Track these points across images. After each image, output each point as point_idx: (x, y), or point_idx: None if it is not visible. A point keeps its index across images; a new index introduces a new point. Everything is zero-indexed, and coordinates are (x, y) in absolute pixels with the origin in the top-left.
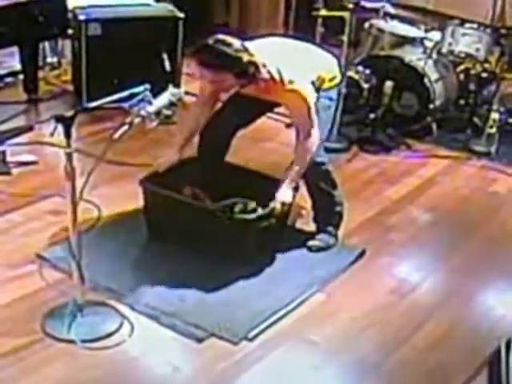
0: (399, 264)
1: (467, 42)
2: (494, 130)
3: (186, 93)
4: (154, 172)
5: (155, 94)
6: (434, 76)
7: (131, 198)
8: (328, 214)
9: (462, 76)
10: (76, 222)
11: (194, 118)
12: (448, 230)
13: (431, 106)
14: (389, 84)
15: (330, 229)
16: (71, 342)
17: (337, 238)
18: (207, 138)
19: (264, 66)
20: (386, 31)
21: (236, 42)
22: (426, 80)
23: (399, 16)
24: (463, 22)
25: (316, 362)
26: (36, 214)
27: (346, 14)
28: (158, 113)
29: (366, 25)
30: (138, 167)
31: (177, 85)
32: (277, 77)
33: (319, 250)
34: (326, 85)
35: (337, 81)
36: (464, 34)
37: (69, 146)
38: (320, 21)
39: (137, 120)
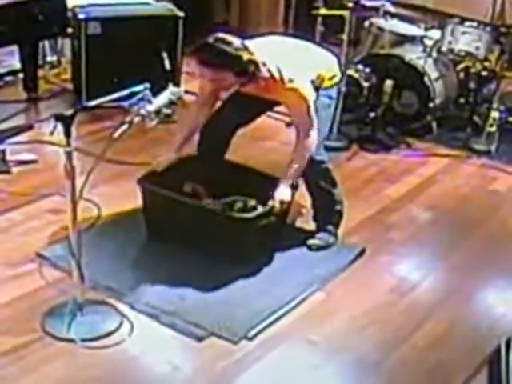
0: (399, 263)
1: (467, 40)
2: (494, 129)
3: (186, 92)
4: (152, 171)
5: (155, 93)
6: (433, 74)
7: (131, 197)
8: (328, 212)
9: (461, 74)
10: (76, 220)
11: (194, 116)
12: (448, 229)
13: (431, 105)
14: (389, 83)
15: (330, 227)
16: (71, 340)
17: (337, 237)
18: (207, 137)
19: (264, 64)
20: (385, 30)
21: (236, 41)
22: (425, 79)
23: (399, 14)
24: (463, 20)
25: (316, 360)
26: (36, 212)
27: (345, 13)
28: (157, 112)
29: (366, 23)
30: (138, 166)
31: (177, 84)
32: (277, 75)
33: (319, 248)
34: (326, 83)
35: (337, 79)
36: (464, 33)
37: (68, 144)
38: (320, 19)
39: (137, 119)
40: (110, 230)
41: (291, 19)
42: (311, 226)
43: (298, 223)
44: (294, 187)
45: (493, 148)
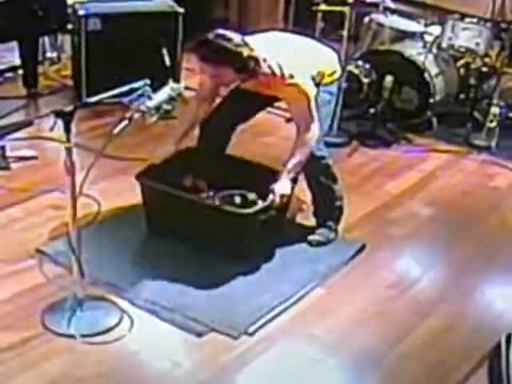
0: (399, 258)
1: (467, 36)
2: (494, 125)
3: (186, 88)
4: (151, 165)
5: (155, 89)
6: (434, 70)
7: (131, 193)
8: (328, 208)
9: (462, 70)
10: (76, 216)
11: (194, 112)
12: (448, 225)
13: (431, 101)
14: (389, 78)
15: (330, 223)
16: (71, 336)
17: (337, 233)
18: (207, 133)
19: (264, 60)
20: (385, 26)
21: (236, 37)
22: (426, 74)
23: (399, 10)
24: (463, 16)
25: (316, 355)
26: (36, 208)
27: (345, 9)
28: (157, 108)
29: (366, 19)
30: (138, 162)
31: (177, 80)
32: (277, 71)
33: (319, 244)
34: (326, 79)
35: (337, 75)
36: (464, 29)
37: (68, 140)
38: (320, 15)
39: (137, 115)
40: (111, 226)
41: (291, 15)
42: (311, 221)
43: (299, 219)
44: (293, 181)
45: (493, 144)
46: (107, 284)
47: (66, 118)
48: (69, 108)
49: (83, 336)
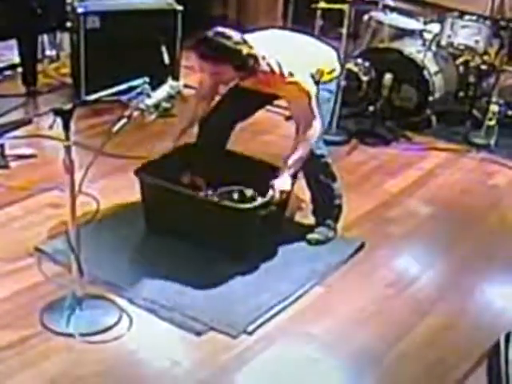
0: (398, 257)
1: (466, 34)
2: (493, 123)
3: (185, 86)
4: (150, 161)
5: (154, 87)
6: (433, 68)
7: (130, 191)
8: (327, 206)
9: (461, 68)
10: (75, 215)
11: (193, 110)
12: (447, 223)
13: (431, 99)
14: (388, 76)
15: (329, 222)
16: (70, 335)
17: (336, 231)
18: (206, 131)
19: (263, 58)
20: (385, 23)
21: (235, 35)
22: (425, 72)
23: (398, 8)
24: (462, 14)
25: (315, 354)
26: (35, 207)
27: (345, 7)
28: (156, 106)
29: (365, 17)
30: (137, 160)
31: (176, 77)
32: (276, 69)
33: (318, 243)
34: (326, 77)
35: (336, 73)
36: (463, 26)
37: (67, 139)
38: (319, 13)
39: (136, 113)
40: (109, 224)
41: (290, 13)
42: (310, 220)
43: (297, 217)
44: (293, 177)
45: (492, 142)
46: (106, 283)
47: (65, 116)
48: (68, 106)
49: (82, 335)
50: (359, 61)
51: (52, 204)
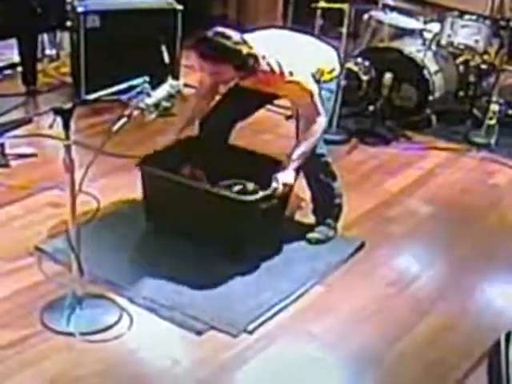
0: (398, 256)
1: (466, 33)
2: (493, 122)
3: (185, 85)
4: (151, 153)
5: (154, 86)
6: (433, 68)
7: (130, 190)
8: (327, 206)
9: (461, 68)
10: (75, 214)
11: (193, 110)
12: (447, 222)
13: (431, 98)
14: (388, 76)
15: (330, 221)
16: (70, 334)
17: (336, 231)
18: (206, 131)
19: (263, 58)
20: (385, 23)
21: (235, 35)
22: (425, 72)
23: (398, 7)
24: (462, 13)
25: (315, 353)
26: (35, 206)
27: (345, 6)
28: (156, 105)
29: (365, 16)
30: (137, 159)
31: (176, 77)
32: (276, 69)
33: (318, 242)
34: (326, 77)
35: (336, 73)
36: (463, 26)
37: (67, 138)
38: (319, 13)
39: (136, 112)
40: (110, 224)
41: (290, 12)
42: (311, 219)
43: (298, 217)
44: (296, 172)
45: (492, 141)
46: (106, 282)
47: (65, 115)
48: (68, 105)
49: (82, 334)
50: (359, 60)
51: (52, 203)
